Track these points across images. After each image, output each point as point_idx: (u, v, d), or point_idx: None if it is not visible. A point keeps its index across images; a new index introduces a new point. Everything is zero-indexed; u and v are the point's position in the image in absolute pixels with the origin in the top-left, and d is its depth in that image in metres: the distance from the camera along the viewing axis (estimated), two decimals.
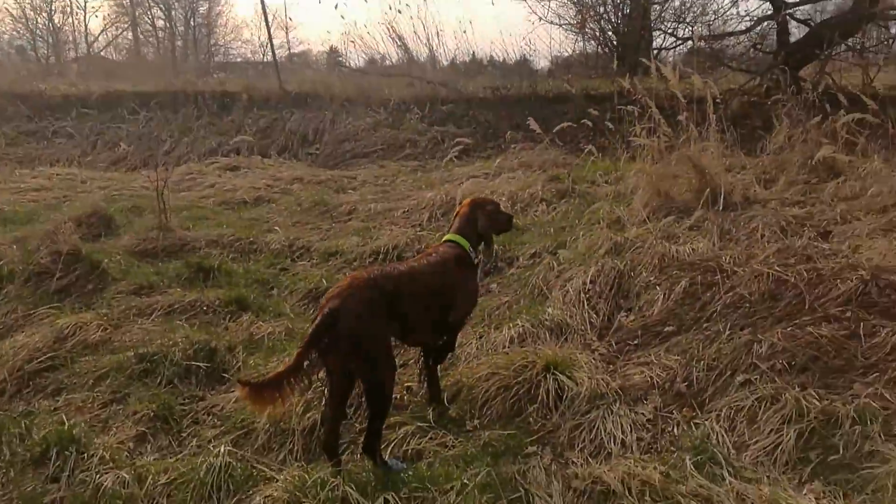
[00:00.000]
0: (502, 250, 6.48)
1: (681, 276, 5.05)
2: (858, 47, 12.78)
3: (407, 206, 8.44)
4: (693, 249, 5.61)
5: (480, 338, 4.68)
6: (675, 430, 3.40)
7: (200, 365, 4.19)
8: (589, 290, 5.06)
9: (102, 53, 33.02)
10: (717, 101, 7.69)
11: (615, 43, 17.81)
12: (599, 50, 18.36)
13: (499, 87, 13.93)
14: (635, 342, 4.44)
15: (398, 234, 6.93)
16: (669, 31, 15.82)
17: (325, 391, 3.24)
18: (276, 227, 7.58)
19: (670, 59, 16.88)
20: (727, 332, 4.13)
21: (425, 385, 3.80)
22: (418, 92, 14.10)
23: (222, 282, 5.90)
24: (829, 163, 8.24)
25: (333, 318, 2.86)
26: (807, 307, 4.12)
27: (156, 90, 15.19)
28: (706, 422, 3.37)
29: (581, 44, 19.23)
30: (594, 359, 4.16)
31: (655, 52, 16.67)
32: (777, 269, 4.55)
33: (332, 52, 26.26)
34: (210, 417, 3.80)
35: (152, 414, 3.72)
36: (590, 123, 8.50)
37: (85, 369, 4.31)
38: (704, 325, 4.35)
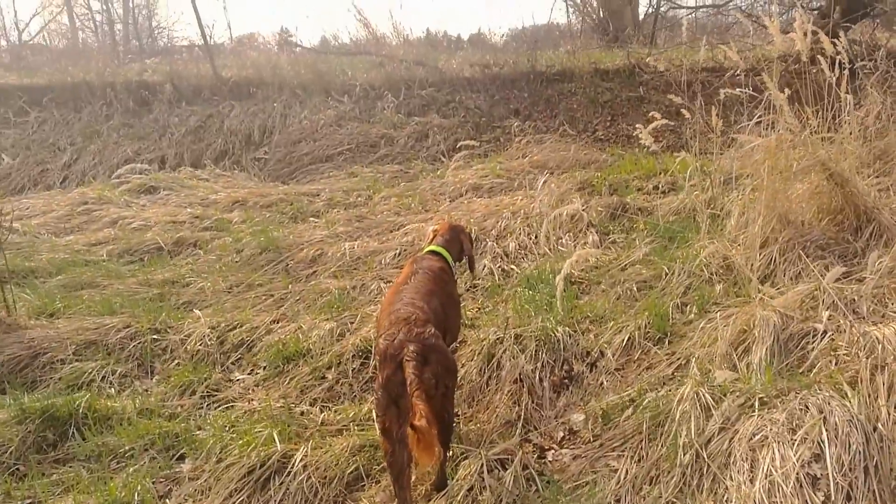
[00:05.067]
0: (569, 337, 3.91)
1: None
2: None
3: (397, 244, 5.79)
4: None
5: None
6: None
7: None
8: (816, 475, 2.51)
9: (37, 40, 29.03)
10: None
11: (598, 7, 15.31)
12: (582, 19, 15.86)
13: (490, 63, 11.22)
14: None
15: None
16: None
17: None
18: (201, 302, 4.85)
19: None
20: None
21: None
22: (390, 73, 11.27)
23: (85, 452, 3.20)
24: None
25: (425, 357, 2.66)
26: None
27: (49, 83, 11.94)
28: None
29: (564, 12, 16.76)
30: None
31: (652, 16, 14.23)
32: None
33: (283, 32, 23.12)
34: None
35: None
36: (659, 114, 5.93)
37: None
38: None
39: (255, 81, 11.41)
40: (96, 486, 2.92)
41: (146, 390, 3.85)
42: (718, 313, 3.74)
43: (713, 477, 2.71)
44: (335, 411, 3.53)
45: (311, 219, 6.90)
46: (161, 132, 10.58)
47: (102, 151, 10.23)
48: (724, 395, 3.00)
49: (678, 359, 3.60)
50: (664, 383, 3.38)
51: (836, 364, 3.16)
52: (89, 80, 11.68)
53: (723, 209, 5.33)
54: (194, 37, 26.36)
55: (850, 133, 5.10)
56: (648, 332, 3.90)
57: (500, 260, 5.43)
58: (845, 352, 3.22)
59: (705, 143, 6.39)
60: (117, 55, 15.03)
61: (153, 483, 3.01)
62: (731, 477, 2.65)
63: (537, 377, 3.64)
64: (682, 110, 5.83)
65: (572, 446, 3.23)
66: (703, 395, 3.00)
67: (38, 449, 3.26)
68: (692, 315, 4.00)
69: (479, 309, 4.71)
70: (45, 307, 4.69)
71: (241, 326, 4.37)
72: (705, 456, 2.78)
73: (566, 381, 3.67)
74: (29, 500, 2.89)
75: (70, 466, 3.15)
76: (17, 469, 3.14)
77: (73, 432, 3.33)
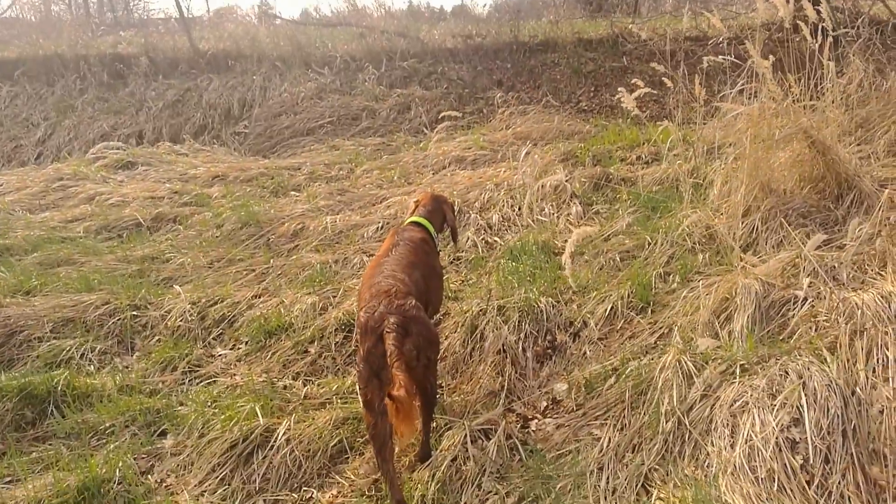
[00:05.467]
0: (552, 307, 3.90)
1: None
2: None
3: (379, 217, 5.73)
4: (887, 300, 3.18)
5: None
6: None
7: None
8: (795, 439, 2.53)
9: (9, 14, 28.00)
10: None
11: None
12: None
13: (472, 34, 11.07)
14: None
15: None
16: None
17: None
18: (181, 278, 4.80)
19: None
20: None
21: None
22: (371, 45, 11.08)
23: (65, 429, 3.17)
24: None
25: (406, 329, 2.64)
26: None
27: (20, 56, 11.60)
28: None
29: None
30: None
31: None
32: None
33: (263, 4, 22.53)
34: None
35: None
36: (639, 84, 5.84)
37: None
38: None
39: (233, 54, 11.17)
40: (77, 463, 2.89)
41: (126, 367, 3.81)
42: (701, 282, 3.75)
43: (695, 443, 2.73)
44: (318, 385, 3.52)
45: (293, 193, 6.82)
46: (138, 106, 10.35)
47: (77, 126, 9.99)
48: (706, 363, 3.02)
49: (661, 327, 3.61)
50: (647, 352, 3.40)
51: (815, 330, 3.18)
52: (61, 52, 11.35)
53: (705, 178, 5.33)
54: (171, 9, 25.67)
55: (833, 101, 5.09)
56: (631, 301, 3.89)
57: (483, 232, 5.41)
58: (825, 318, 3.24)
59: (688, 112, 6.37)
60: (91, 27, 14.63)
61: (135, 459, 2.99)
62: (712, 443, 2.68)
63: (520, 348, 3.64)
64: (664, 79, 5.78)
65: (555, 416, 3.24)
66: (686, 363, 3.02)
67: (17, 427, 3.23)
68: (675, 284, 4.00)
69: (463, 281, 4.69)
70: (21, 285, 4.60)
71: (222, 302, 4.32)
72: (687, 423, 2.80)
73: (549, 351, 3.68)
74: (8, 478, 2.86)
75: (50, 444, 3.13)
76: None
77: (52, 410, 3.30)
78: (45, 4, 26.64)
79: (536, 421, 3.23)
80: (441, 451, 2.89)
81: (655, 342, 3.48)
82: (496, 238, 5.28)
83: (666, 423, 2.83)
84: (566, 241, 5.03)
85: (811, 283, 3.54)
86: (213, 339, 4.07)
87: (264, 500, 2.81)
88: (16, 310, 4.10)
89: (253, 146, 9.33)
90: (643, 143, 6.97)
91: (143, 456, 3.04)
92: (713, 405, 2.79)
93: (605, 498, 2.62)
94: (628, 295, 3.92)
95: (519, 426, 3.18)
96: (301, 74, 10.59)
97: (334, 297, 4.31)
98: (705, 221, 4.57)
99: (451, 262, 5.00)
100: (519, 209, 5.69)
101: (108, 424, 3.19)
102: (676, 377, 2.96)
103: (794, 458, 2.45)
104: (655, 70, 5.87)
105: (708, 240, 4.47)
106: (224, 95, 10.27)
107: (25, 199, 6.95)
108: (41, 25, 16.18)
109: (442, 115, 7.79)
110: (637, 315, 3.80)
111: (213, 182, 7.29)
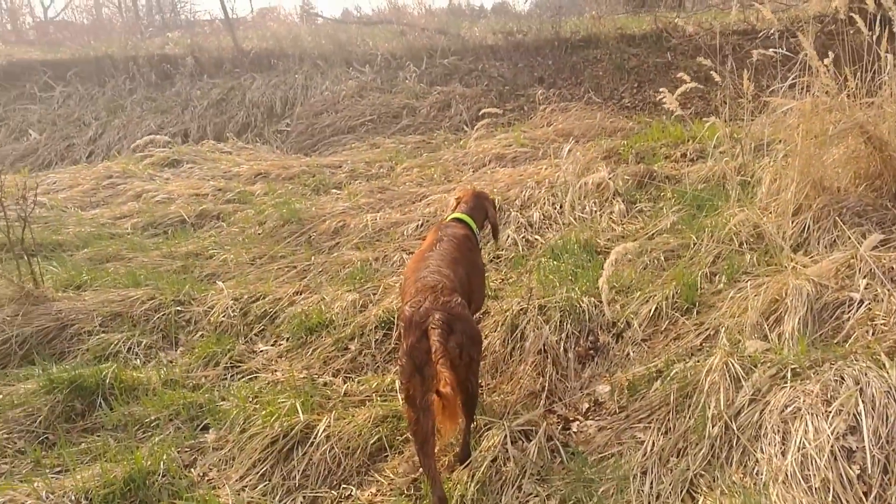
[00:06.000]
0: (595, 307, 3.83)
1: None
2: None
3: (419, 215, 5.72)
4: None
5: None
6: None
7: None
8: (851, 447, 2.43)
9: (62, 17, 29.02)
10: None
11: None
12: None
13: (513, 30, 10.98)
14: None
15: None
16: None
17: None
18: (224, 274, 4.86)
19: None
20: None
21: None
22: (411, 43, 11.11)
23: (112, 421, 3.24)
24: None
25: (451, 326, 2.61)
26: None
27: (72, 58, 11.97)
28: None
29: None
30: None
31: None
32: None
33: (305, 4, 22.70)
34: None
35: None
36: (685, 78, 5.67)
37: None
38: None
39: (276, 53, 11.33)
40: (123, 454, 2.95)
41: (171, 361, 3.88)
42: (749, 283, 3.64)
43: (743, 449, 2.64)
44: (358, 382, 3.52)
45: (334, 190, 6.87)
46: (184, 105, 10.59)
47: (126, 125, 10.28)
48: (755, 366, 2.92)
49: (707, 329, 3.51)
50: (692, 354, 3.31)
51: (873, 334, 3.05)
52: (111, 53, 11.70)
53: (753, 176, 5.16)
54: (216, 10, 26.12)
55: (890, 95, 4.88)
56: (676, 302, 3.79)
57: (524, 230, 5.35)
58: (883, 321, 3.11)
59: (735, 108, 6.19)
60: (139, 29, 15.06)
61: (178, 452, 3.03)
62: (761, 449, 2.58)
63: (562, 348, 3.58)
64: (711, 73, 5.62)
65: (598, 418, 3.18)
66: (733, 366, 2.92)
67: (67, 418, 3.31)
68: (721, 285, 3.89)
69: (503, 280, 4.65)
70: (72, 280, 4.73)
71: (264, 298, 4.36)
72: (735, 428, 2.71)
73: (591, 352, 3.61)
74: (58, 468, 2.93)
75: (98, 435, 3.19)
76: (47, 438, 3.20)
77: (100, 402, 3.37)
78: (97, 7, 27.43)
79: (578, 423, 3.17)
80: (481, 451, 2.86)
81: (701, 344, 3.38)
82: (537, 236, 5.22)
83: (712, 427, 2.74)
84: (609, 239, 4.98)
85: (868, 284, 3.39)
86: (255, 335, 4.11)
87: (304, 497, 2.82)
88: (67, 304, 4.22)
89: (295, 144, 9.45)
90: (688, 140, 6.81)
91: (187, 449, 3.09)
92: (762, 410, 2.69)
93: (649, 503, 2.55)
94: (673, 295, 3.83)
95: (560, 428, 3.12)
96: (342, 73, 10.68)
97: (374, 294, 4.32)
98: (753, 220, 4.43)
99: (491, 261, 4.96)
100: (560, 207, 5.61)
101: (153, 417, 3.25)
102: (723, 380, 2.87)
103: (850, 468, 2.35)
104: (701, 65, 5.71)
105: (756, 239, 4.33)
106: (267, 94, 10.42)
107: (77, 196, 7.17)
108: (93, 28, 16.74)
109: (482, 112, 7.76)
110: (682, 316, 3.71)
111: (256, 179, 7.40)
